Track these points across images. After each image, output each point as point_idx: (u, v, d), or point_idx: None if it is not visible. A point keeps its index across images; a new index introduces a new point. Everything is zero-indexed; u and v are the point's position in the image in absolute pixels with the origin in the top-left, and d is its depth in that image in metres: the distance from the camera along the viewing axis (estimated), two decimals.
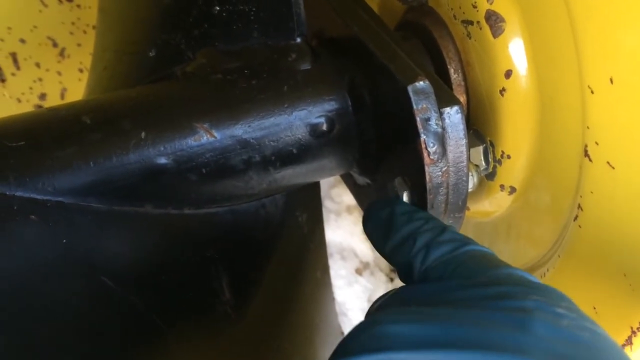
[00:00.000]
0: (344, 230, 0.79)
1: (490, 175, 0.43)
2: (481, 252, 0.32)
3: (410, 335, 0.26)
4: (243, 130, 0.39)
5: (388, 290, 0.36)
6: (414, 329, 0.27)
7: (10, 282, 0.29)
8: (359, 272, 0.78)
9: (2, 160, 0.34)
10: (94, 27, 0.65)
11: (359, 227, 0.80)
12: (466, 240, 0.33)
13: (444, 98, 0.35)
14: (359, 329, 0.28)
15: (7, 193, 0.33)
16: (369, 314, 0.34)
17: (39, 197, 0.34)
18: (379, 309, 0.34)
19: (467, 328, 0.26)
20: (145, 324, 0.34)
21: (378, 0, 0.52)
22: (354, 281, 0.76)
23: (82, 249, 0.33)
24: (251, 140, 0.39)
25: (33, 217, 0.32)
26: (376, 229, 0.36)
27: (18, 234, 0.31)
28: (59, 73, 0.71)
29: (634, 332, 0.34)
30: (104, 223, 0.35)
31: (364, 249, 0.80)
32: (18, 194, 0.33)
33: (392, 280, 0.79)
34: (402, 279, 0.35)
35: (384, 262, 0.79)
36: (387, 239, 0.35)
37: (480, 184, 0.45)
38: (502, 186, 0.42)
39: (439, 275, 0.32)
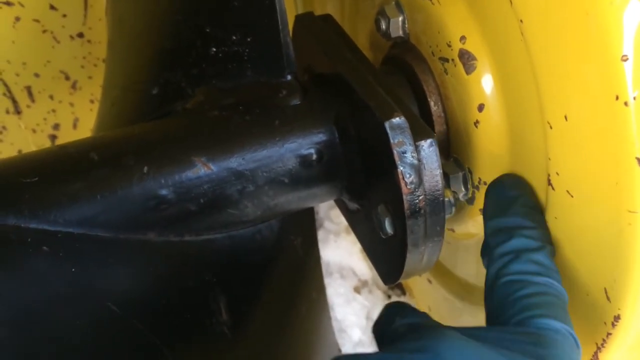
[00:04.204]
0: (343, 250, 0.82)
1: (470, 200, 0.46)
2: (548, 292, 0.35)
3: None
4: (237, 162, 0.41)
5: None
6: None
7: (23, 311, 0.32)
8: (357, 290, 0.81)
9: (18, 194, 0.37)
10: (103, 61, 0.69)
11: (357, 247, 0.82)
12: (549, 272, 0.36)
13: (419, 132, 0.38)
14: None
15: (22, 225, 0.36)
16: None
17: (50, 228, 0.37)
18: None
19: None
20: (146, 345, 0.37)
21: (367, 35, 0.55)
22: (352, 299, 0.79)
23: (89, 276, 0.36)
24: (245, 172, 0.42)
25: (45, 248, 0.35)
26: (494, 199, 0.40)
27: (31, 265, 0.34)
28: (72, 104, 0.75)
29: (599, 348, 0.37)
30: (109, 251, 0.38)
31: (363, 267, 0.82)
32: (32, 226, 0.37)
33: (389, 297, 0.81)
34: (481, 252, 0.39)
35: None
36: (495, 216, 0.39)
37: (462, 209, 0.48)
38: (481, 210, 0.45)
39: (502, 297, 0.35)
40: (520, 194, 0.39)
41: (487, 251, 0.38)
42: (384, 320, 0.38)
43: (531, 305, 0.34)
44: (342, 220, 0.83)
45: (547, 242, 0.37)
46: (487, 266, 0.38)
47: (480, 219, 0.46)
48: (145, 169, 0.40)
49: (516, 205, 0.38)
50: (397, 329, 0.36)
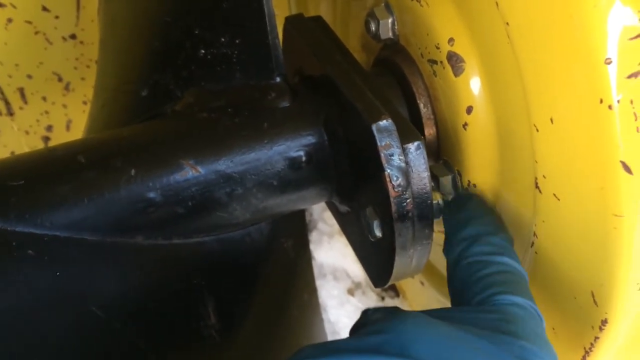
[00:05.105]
0: (336, 252, 0.82)
1: None
2: (508, 270, 0.36)
3: None
4: (226, 165, 0.41)
5: None
6: None
7: (7, 315, 0.32)
8: (350, 292, 0.81)
9: (4, 198, 0.37)
10: (96, 62, 0.69)
11: (350, 249, 0.82)
12: (508, 252, 0.37)
13: (407, 134, 0.38)
14: None
15: (8, 229, 0.36)
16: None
17: (37, 231, 0.37)
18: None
19: None
20: (131, 350, 0.37)
21: (359, 37, 0.55)
22: (346, 301, 0.79)
23: (74, 280, 0.36)
24: (233, 175, 0.42)
25: (30, 251, 0.35)
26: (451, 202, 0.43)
27: (16, 269, 0.34)
28: (64, 106, 0.75)
29: (587, 352, 0.37)
30: (96, 255, 0.38)
31: (356, 269, 0.82)
32: (18, 229, 0.36)
33: (382, 299, 0.81)
34: (443, 248, 0.41)
35: None
36: (453, 214, 0.42)
37: None
38: None
39: (464, 278, 0.36)
40: (473, 195, 0.42)
41: (447, 243, 0.40)
42: (359, 321, 0.38)
43: (493, 283, 0.34)
44: (336, 222, 0.83)
45: (503, 230, 0.39)
46: (447, 253, 0.39)
47: None
48: (133, 171, 0.40)
49: (470, 203, 0.40)
50: (369, 318, 0.36)
